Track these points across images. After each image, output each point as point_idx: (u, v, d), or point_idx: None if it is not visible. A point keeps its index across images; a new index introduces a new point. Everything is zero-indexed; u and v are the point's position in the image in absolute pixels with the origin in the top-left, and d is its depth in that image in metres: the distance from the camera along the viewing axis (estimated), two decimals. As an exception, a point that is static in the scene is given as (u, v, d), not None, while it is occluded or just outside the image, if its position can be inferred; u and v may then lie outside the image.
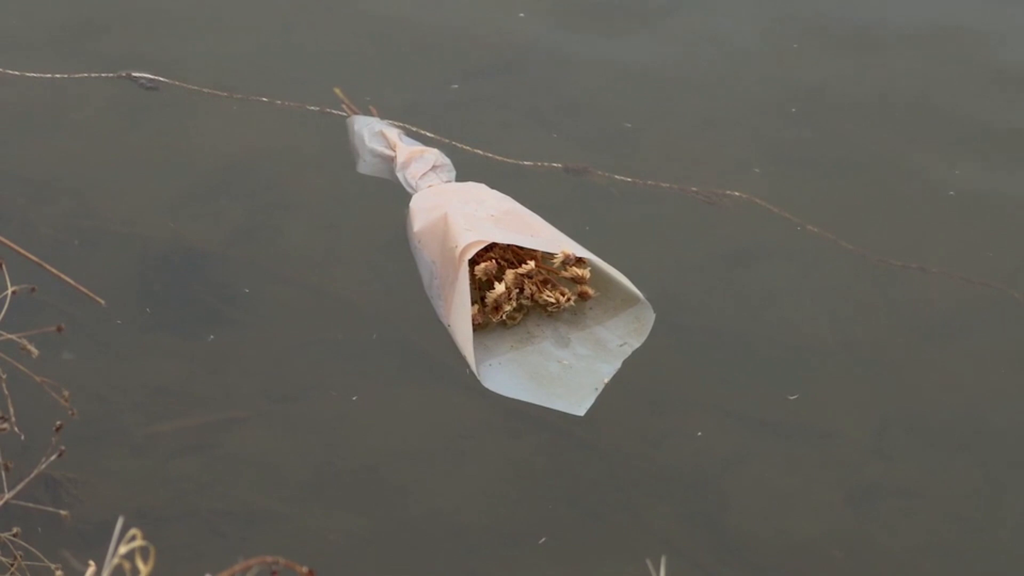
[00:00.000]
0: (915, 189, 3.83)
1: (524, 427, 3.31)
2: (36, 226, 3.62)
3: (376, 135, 3.76)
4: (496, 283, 3.29)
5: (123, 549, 1.57)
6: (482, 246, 3.29)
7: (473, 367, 3.23)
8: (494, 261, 3.30)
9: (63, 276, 2.65)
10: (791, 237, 3.66)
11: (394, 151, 3.70)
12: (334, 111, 3.88)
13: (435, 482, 3.20)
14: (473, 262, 3.26)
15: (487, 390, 3.36)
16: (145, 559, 1.57)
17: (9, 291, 2.44)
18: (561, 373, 3.27)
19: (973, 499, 3.19)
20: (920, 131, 3.99)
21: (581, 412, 3.15)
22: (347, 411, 3.32)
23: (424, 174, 3.63)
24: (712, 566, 3.07)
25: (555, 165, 3.80)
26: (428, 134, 3.80)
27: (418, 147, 3.70)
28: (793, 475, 3.23)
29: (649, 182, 3.74)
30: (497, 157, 3.77)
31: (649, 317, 3.35)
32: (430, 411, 3.32)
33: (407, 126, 3.82)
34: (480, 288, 3.29)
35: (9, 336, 2.46)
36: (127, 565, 1.60)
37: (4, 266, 2.51)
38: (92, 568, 1.73)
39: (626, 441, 3.24)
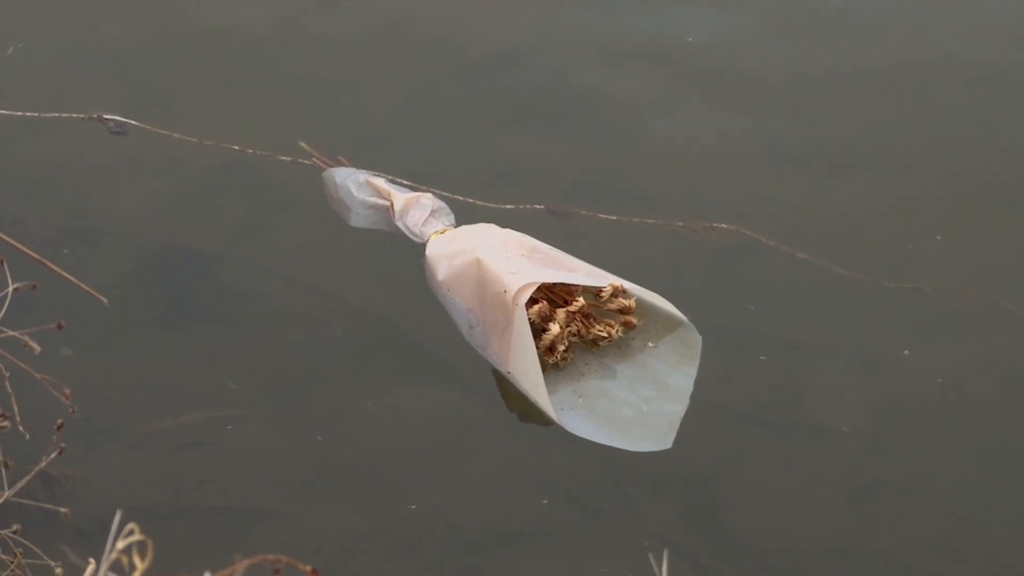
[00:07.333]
0: (901, 206, 3.82)
1: (523, 425, 3.31)
2: (34, 224, 3.63)
3: (363, 185, 3.64)
4: (549, 324, 3.26)
5: (121, 543, 1.57)
6: (535, 288, 3.25)
7: (552, 413, 3.21)
8: (545, 302, 3.27)
9: (66, 275, 2.66)
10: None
11: (388, 199, 3.60)
12: (304, 160, 3.82)
13: (435, 480, 3.20)
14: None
15: (486, 390, 3.36)
16: (143, 554, 1.58)
17: (10, 288, 2.44)
18: (636, 417, 3.27)
19: (972, 497, 3.20)
20: (901, 148, 3.98)
21: (668, 446, 3.21)
22: (347, 410, 3.32)
23: (426, 220, 3.54)
24: (711, 564, 3.08)
25: (537, 207, 3.74)
26: (405, 183, 3.74)
27: (412, 193, 3.61)
28: (792, 473, 3.23)
29: (634, 219, 3.71)
30: (479, 202, 3.72)
31: (695, 340, 3.33)
32: (430, 410, 3.32)
33: (382, 174, 3.73)
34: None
35: (11, 333, 2.46)
36: (125, 560, 1.60)
37: (5, 263, 2.51)
38: (92, 565, 1.74)
39: (625, 440, 3.24)
